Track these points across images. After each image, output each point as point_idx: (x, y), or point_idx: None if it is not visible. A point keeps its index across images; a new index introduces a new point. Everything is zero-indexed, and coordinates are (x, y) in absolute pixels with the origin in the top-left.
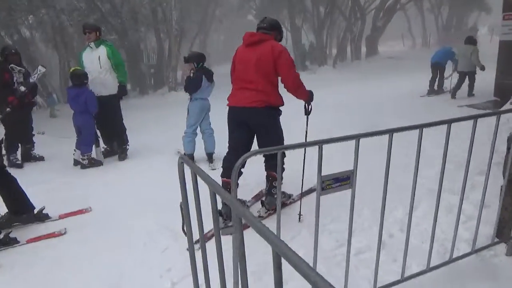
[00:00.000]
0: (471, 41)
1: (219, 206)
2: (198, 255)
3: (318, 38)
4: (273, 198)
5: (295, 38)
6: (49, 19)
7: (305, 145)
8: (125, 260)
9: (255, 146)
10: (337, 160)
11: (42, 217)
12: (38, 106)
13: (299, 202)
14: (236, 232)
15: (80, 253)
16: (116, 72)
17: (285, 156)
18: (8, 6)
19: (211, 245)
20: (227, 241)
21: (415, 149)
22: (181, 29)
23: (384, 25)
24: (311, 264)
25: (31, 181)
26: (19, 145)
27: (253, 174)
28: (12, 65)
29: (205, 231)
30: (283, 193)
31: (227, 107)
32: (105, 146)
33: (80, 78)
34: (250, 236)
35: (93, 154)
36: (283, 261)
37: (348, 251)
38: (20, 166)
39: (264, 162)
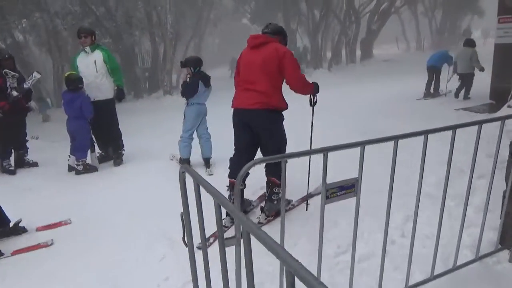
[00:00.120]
0: (470, 43)
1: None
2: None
3: (313, 42)
4: (273, 204)
5: (290, 41)
6: (43, 22)
7: (310, 152)
8: (120, 269)
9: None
10: (331, 163)
11: (19, 230)
12: (33, 111)
13: (298, 207)
14: (245, 248)
15: (72, 264)
16: (113, 76)
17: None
18: (1, 10)
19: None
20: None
21: (414, 153)
22: (176, 32)
23: (379, 29)
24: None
25: (24, 187)
26: (12, 150)
27: (259, 173)
28: (5, 70)
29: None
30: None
31: (232, 109)
32: (100, 151)
33: (74, 82)
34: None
35: (88, 160)
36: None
37: (353, 262)
38: (13, 173)
39: (265, 167)
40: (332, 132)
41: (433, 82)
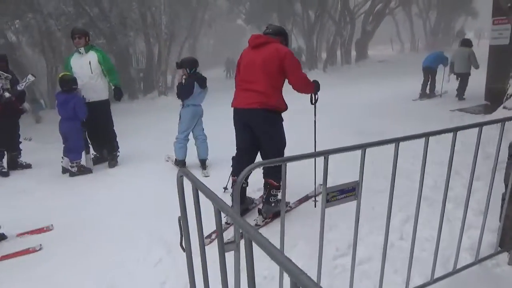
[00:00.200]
0: (467, 43)
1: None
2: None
3: (308, 42)
4: (271, 206)
5: None
6: (36, 23)
7: (310, 156)
8: (117, 273)
9: None
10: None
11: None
12: (26, 113)
13: (296, 209)
14: (247, 256)
15: (67, 268)
16: (109, 77)
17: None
18: None
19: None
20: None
21: (409, 155)
22: (171, 33)
23: (374, 30)
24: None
25: (18, 189)
26: (5, 152)
27: (258, 174)
28: None
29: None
30: (280, 201)
31: (232, 109)
32: (95, 153)
33: (68, 83)
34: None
35: (83, 161)
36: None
37: (353, 265)
38: (6, 175)
39: (263, 168)
40: (328, 133)
41: (428, 83)
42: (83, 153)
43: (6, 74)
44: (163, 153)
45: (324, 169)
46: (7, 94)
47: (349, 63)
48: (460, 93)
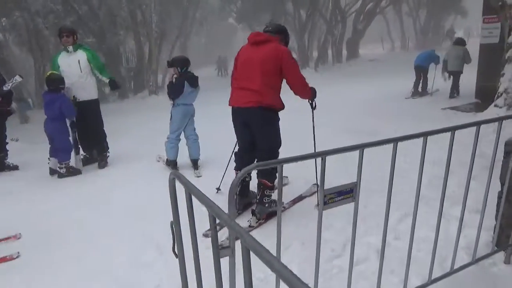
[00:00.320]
0: (461, 42)
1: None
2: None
3: (299, 41)
4: (264, 207)
5: None
6: (23, 21)
7: (307, 157)
8: (106, 277)
9: None
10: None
11: None
12: (14, 113)
13: (290, 210)
14: (244, 266)
15: (54, 273)
16: (101, 73)
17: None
18: None
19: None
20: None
21: (404, 153)
22: (161, 31)
23: (365, 28)
24: (311, 280)
25: (5, 191)
26: None
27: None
28: None
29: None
30: (274, 201)
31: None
32: (84, 153)
33: (55, 83)
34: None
35: (72, 162)
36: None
37: (350, 269)
38: None
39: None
40: (321, 132)
41: (421, 81)
42: (72, 154)
43: None
44: (154, 153)
45: (322, 171)
46: None
47: (340, 62)
48: (453, 91)
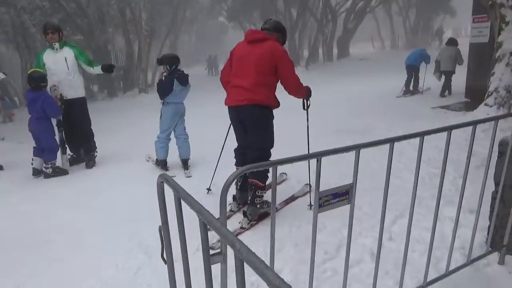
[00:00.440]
0: (453, 42)
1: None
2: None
3: (290, 40)
4: (256, 208)
5: None
6: (9, 18)
7: (302, 158)
8: (92, 281)
9: None
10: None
11: None
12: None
13: (282, 211)
14: (237, 279)
15: (39, 277)
16: (91, 66)
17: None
18: None
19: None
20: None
21: (400, 153)
22: (151, 30)
23: (355, 28)
24: (305, 284)
25: None
26: None
27: None
28: None
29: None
30: (266, 202)
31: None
32: (71, 153)
33: (36, 81)
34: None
35: (58, 162)
36: None
37: (346, 272)
38: None
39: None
40: (312, 131)
41: (412, 80)
42: (59, 154)
43: None
44: (144, 153)
45: (317, 173)
46: None
47: (331, 60)
48: (444, 90)
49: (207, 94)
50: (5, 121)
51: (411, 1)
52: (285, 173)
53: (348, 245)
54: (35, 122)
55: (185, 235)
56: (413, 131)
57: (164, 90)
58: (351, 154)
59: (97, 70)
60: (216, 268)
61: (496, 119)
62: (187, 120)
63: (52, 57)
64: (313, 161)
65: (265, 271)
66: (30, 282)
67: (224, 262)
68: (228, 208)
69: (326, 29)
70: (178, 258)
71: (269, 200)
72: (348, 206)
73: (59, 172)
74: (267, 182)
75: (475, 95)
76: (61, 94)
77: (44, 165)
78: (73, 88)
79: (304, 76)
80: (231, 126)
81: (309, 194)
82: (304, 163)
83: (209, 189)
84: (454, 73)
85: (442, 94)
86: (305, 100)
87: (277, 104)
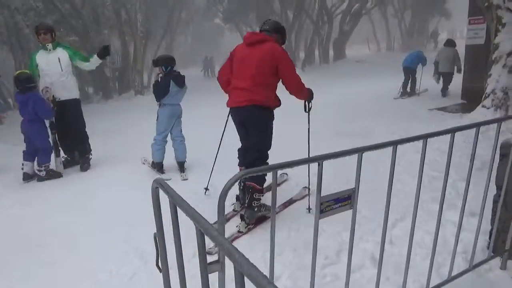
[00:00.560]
0: (451, 43)
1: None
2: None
3: (286, 41)
4: (253, 211)
5: None
6: (3, 19)
7: (303, 162)
8: (85, 286)
9: None
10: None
11: None
12: None
13: (280, 214)
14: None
15: (31, 282)
16: (89, 59)
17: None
18: None
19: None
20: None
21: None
22: (147, 31)
23: (351, 29)
24: None
25: None
26: None
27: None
28: None
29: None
30: (264, 205)
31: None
32: (65, 156)
33: (22, 83)
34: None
35: (52, 165)
36: None
37: (348, 277)
38: None
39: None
40: (311, 134)
41: (409, 81)
42: (53, 156)
43: None
44: (139, 156)
45: (318, 177)
46: None
47: (327, 62)
48: (445, 90)
49: (203, 95)
50: None
51: (407, 3)
52: (286, 174)
53: (350, 251)
54: (27, 124)
55: (181, 243)
56: (411, 133)
57: (160, 91)
58: (351, 156)
59: (94, 61)
60: (213, 275)
61: (499, 121)
62: (183, 122)
63: (45, 58)
64: (313, 164)
65: (268, 286)
66: (22, 286)
67: (222, 271)
68: (232, 208)
69: (322, 31)
70: (174, 265)
71: (267, 203)
72: (348, 214)
73: (53, 175)
74: (266, 184)
75: (472, 96)
76: (53, 96)
77: (38, 167)
78: (67, 89)
79: (301, 78)
80: (226, 126)
81: (308, 197)
82: (302, 166)
83: (206, 189)
84: (453, 74)
85: (443, 95)
86: (306, 103)
87: (278, 103)
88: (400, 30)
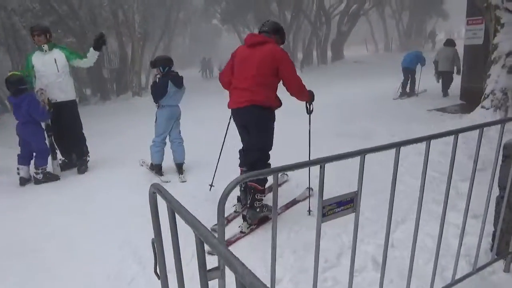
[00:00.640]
0: (451, 43)
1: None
2: None
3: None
4: (256, 211)
5: None
6: None
7: (305, 164)
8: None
9: None
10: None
11: None
12: None
13: (282, 215)
14: None
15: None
16: (86, 55)
17: (269, 165)
18: None
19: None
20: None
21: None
22: (144, 32)
23: (349, 30)
24: None
25: None
26: None
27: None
28: None
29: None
30: (266, 205)
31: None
32: (63, 158)
33: (14, 84)
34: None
35: (49, 167)
36: None
37: (351, 282)
38: None
39: (246, 171)
40: (311, 135)
41: (408, 82)
42: (49, 158)
43: None
44: (138, 158)
45: (320, 180)
46: None
47: (325, 63)
48: (445, 90)
49: (201, 97)
50: None
51: (404, 4)
52: (287, 174)
53: (352, 256)
54: (21, 126)
55: (179, 250)
56: (412, 134)
57: (158, 92)
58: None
59: (91, 55)
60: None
61: (502, 122)
62: (181, 123)
63: (41, 59)
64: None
65: None
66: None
67: (222, 278)
68: (233, 209)
69: (320, 32)
70: (172, 270)
71: (269, 203)
72: (349, 216)
73: (50, 177)
74: (267, 185)
75: (471, 97)
76: (48, 98)
77: (35, 170)
78: (63, 91)
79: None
80: (229, 125)
81: (308, 199)
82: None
83: (211, 185)
84: (453, 73)
85: (444, 95)
86: (308, 104)
87: (278, 104)
88: (398, 30)
